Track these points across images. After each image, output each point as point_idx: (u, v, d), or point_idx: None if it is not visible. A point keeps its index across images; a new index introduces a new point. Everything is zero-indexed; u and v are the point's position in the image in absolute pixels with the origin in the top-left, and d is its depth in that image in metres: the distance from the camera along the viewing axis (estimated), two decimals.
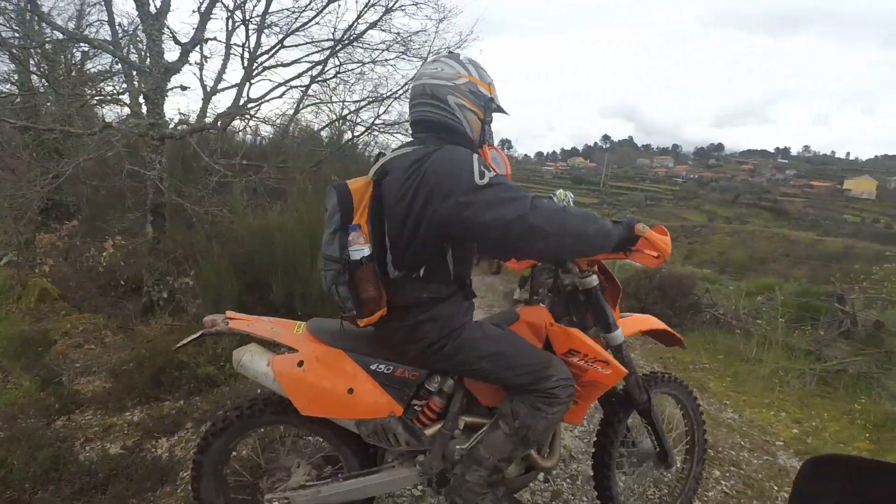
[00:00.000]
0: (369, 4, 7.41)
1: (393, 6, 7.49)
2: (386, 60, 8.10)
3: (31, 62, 8.70)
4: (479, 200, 1.42)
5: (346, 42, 7.56)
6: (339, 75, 7.96)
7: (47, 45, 7.81)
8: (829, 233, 47.06)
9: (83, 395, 4.16)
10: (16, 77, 9.60)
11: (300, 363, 1.75)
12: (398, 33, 7.83)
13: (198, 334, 2.03)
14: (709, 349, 5.19)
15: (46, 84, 8.90)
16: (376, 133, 8.46)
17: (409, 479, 1.91)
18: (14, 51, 8.11)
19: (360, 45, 7.85)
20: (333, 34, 7.43)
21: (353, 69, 8.14)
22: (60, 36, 7.26)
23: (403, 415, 1.77)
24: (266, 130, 9.55)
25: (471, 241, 1.69)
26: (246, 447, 2.38)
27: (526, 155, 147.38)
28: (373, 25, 7.57)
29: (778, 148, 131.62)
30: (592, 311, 1.97)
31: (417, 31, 7.88)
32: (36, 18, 7.01)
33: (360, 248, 1.53)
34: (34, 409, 3.97)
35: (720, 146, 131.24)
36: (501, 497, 1.81)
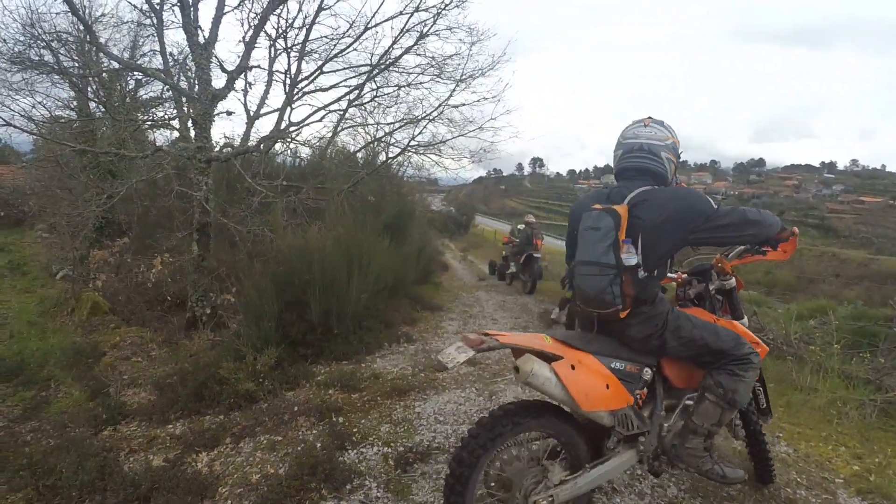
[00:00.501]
0: (404, 30, 7.64)
1: (427, 31, 7.70)
2: (421, 83, 8.30)
3: (90, 90, 9.32)
4: (719, 216, 2.07)
5: (383, 67, 7.78)
6: (375, 99, 8.19)
7: (104, 74, 8.38)
8: (882, 251, 44.21)
9: (129, 407, 4.31)
10: (75, 103, 10.27)
11: (572, 367, 1.98)
12: (433, 57, 8.03)
13: (470, 354, 2.15)
14: None
15: (103, 110, 9.52)
16: (411, 153, 8.62)
17: (630, 461, 2.24)
18: (74, 79, 8.75)
19: (396, 69, 8.07)
20: (371, 59, 7.68)
21: (388, 92, 8.38)
22: (116, 65, 7.79)
23: (633, 403, 2.15)
24: (305, 152, 9.90)
25: (709, 244, 2.38)
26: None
27: (558, 173, 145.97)
28: (408, 50, 7.77)
29: (823, 162, 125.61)
30: (729, 306, 2.69)
31: (451, 55, 8.05)
32: (94, 49, 7.53)
33: (632, 257, 2.02)
34: (83, 419, 4.15)
35: (761, 161, 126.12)
36: (717, 459, 2.32)
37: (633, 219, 2.04)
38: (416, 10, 7.43)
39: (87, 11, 7.56)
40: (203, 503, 2.90)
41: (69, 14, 6.14)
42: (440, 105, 8.20)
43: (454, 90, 8.12)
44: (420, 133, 8.36)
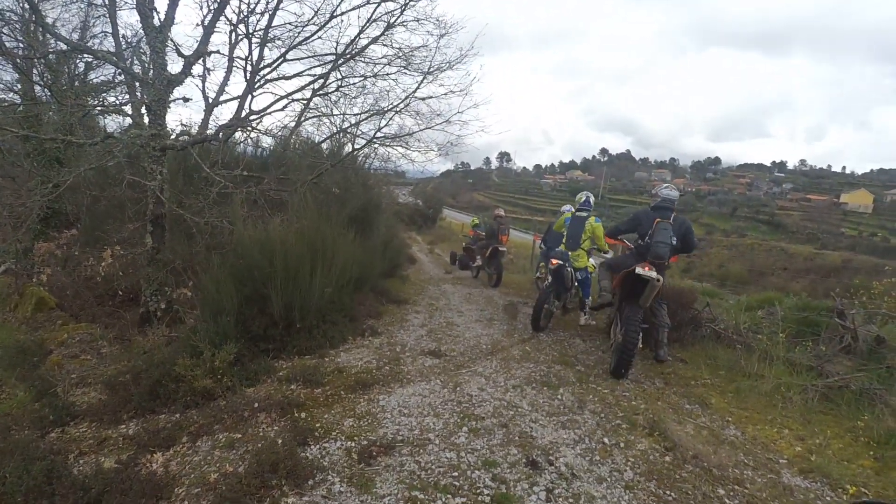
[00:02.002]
0: (371, 20, 7.49)
1: (395, 22, 7.58)
2: (387, 75, 8.18)
3: (35, 72, 8.71)
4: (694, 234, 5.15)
5: (348, 56, 7.62)
6: (340, 89, 8.02)
7: (51, 56, 7.85)
8: (826, 246, 47.05)
9: (78, 407, 4.10)
10: (19, 87, 9.58)
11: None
12: (400, 48, 7.92)
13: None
14: (710, 364, 5.14)
15: (49, 94, 8.92)
16: (377, 145, 8.49)
17: None
18: (18, 61, 8.15)
19: (362, 59, 7.92)
20: (336, 48, 7.50)
21: (354, 83, 8.22)
22: (64, 47, 7.30)
23: None
24: (267, 142, 9.61)
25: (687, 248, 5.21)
26: None
27: (525, 168, 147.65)
28: (375, 40, 7.62)
29: (774, 162, 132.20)
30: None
31: (419, 47, 7.96)
32: (40, 29, 7.04)
33: (676, 242, 4.95)
34: (28, 421, 3.91)
35: (717, 160, 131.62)
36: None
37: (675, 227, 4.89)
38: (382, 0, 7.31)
39: None
40: (159, 503, 2.81)
41: None
42: (407, 97, 8.11)
43: (421, 82, 8.06)
44: (387, 125, 8.29)
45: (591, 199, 6.84)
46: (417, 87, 8.05)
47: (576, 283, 6.50)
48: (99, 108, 8.62)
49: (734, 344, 5.48)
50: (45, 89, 8.92)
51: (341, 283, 5.39)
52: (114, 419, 3.83)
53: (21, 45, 7.32)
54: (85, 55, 8.35)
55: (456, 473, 3.00)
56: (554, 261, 6.24)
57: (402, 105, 8.11)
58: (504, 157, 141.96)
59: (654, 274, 4.61)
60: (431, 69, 8.07)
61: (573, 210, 6.86)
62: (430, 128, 8.37)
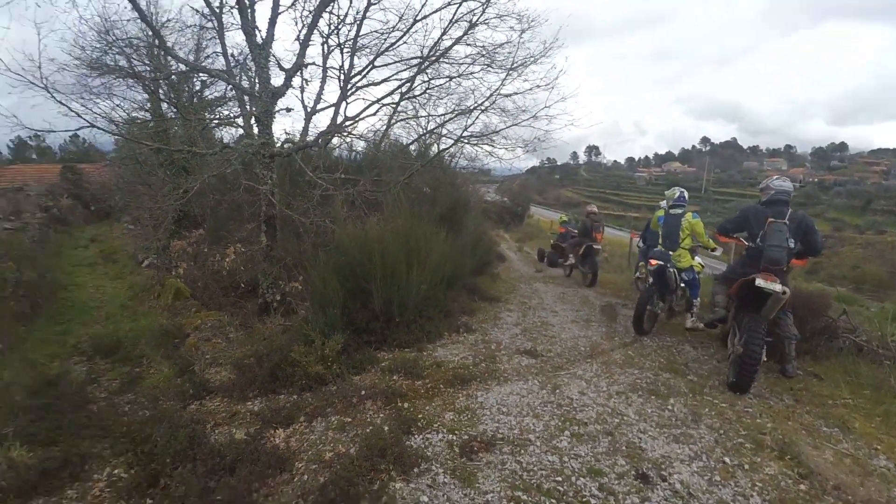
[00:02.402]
0: (453, 21, 7.56)
1: (477, 21, 7.60)
2: (471, 74, 8.22)
3: (161, 92, 9.96)
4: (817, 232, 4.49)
5: (433, 59, 7.78)
6: (428, 91, 8.22)
7: (173, 77, 8.92)
8: None
9: (212, 384, 4.67)
10: (149, 105, 10.98)
11: None
12: (483, 46, 7.92)
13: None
14: (851, 382, 4.47)
15: (174, 110, 10.17)
16: (464, 144, 8.58)
17: None
18: (146, 82, 9.39)
19: (446, 60, 8.04)
20: (421, 52, 7.72)
21: (440, 84, 8.37)
22: (183, 68, 8.26)
23: None
24: (360, 146, 10.16)
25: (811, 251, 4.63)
26: None
27: (615, 161, 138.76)
28: (458, 41, 7.69)
29: None
30: None
31: (503, 44, 7.89)
32: (163, 53, 8.01)
33: (795, 244, 4.30)
34: (172, 393, 4.54)
35: (843, 145, 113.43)
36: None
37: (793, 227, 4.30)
38: None
39: (154, 17, 8.03)
40: (281, 476, 3.10)
41: (138, 21, 6.53)
42: (492, 94, 8.09)
43: (505, 79, 8.01)
44: (472, 124, 8.32)
45: (686, 195, 6.27)
46: (501, 84, 8.01)
47: (682, 285, 6.05)
48: (215, 122, 9.69)
49: (880, 359, 4.74)
50: (171, 106, 10.21)
51: (435, 281, 5.55)
52: (242, 396, 4.31)
53: (148, 68, 8.31)
54: (200, 74, 9.38)
55: (559, 478, 2.95)
56: (653, 261, 5.86)
57: (487, 103, 8.12)
58: (592, 150, 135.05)
59: (778, 287, 4.02)
60: (515, 65, 7.98)
61: (665, 208, 6.36)
62: (516, 124, 8.28)
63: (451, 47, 7.66)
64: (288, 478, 3.07)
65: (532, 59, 7.99)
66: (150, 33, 6.97)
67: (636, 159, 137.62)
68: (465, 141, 8.36)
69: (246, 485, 2.91)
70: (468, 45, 7.80)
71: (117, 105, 10.33)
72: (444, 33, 7.55)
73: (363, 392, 3.98)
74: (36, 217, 13.51)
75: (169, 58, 8.31)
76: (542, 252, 14.04)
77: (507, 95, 8.12)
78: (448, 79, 8.27)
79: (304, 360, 4.26)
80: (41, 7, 5.77)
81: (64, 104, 5.44)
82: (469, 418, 3.68)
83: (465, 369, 4.69)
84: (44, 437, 3.56)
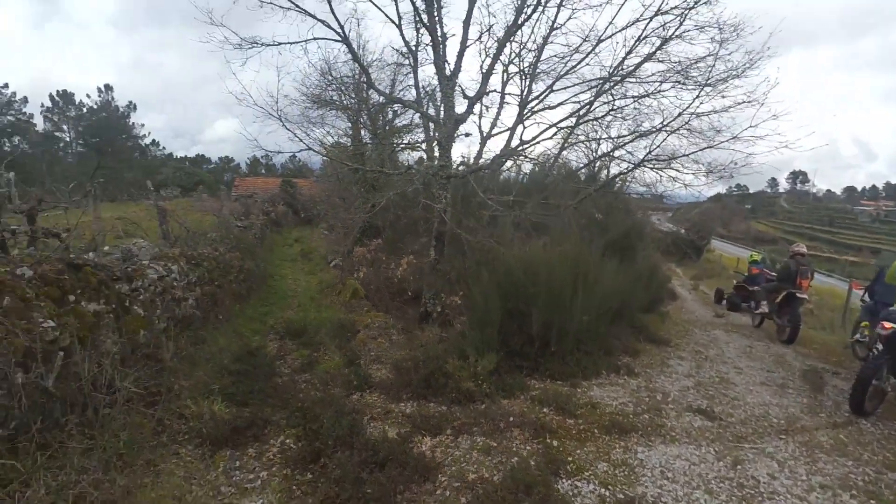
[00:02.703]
0: (641, 38, 7.03)
1: (671, 35, 6.94)
2: (660, 92, 7.53)
3: (360, 121, 11.71)
4: None
5: (617, 80, 7.35)
6: (611, 112, 7.81)
7: (373, 108, 10.32)
8: None
9: (373, 379, 5.04)
10: (351, 132, 13.05)
11: None
12: (679, 62, 7.18)
13: None
14: None
15: (370, 136, 11.87)
16: (646, 168, 7.87)
17: None
18: (350, 113, 11.09)
19: (632, 79, 7.51)
20: (605, 71, 7.33)
21: (623, 105, 7.85)
22: (382, 99, 9.45)
23: None
24: (527, 168, 10.18)
25: None
26: None
27: (829, 191, 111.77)
28: (648, 58, 7.12)
29: None
30: None
31: (704, 57, 7.03)
32: (366, 88, 9.29)
33: None
34: (340, 381, 5.02)
35: None
36: None
37: None
38: (658, 12, 6.77)
39: (362, 59, 9.40)
40: (425, 485, 3.13)
41: (350, 62, 7.64)
42: (680, 114, 7.26)
43: (699, 96, 7.12)
44: (657, 146, 7.59)
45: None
46: (693, 101, 7.14)
47: None
48: (402, 146, 10.83)
49: None
50: (367, 133, 11.90)
51: (600, 312, 5.15)
52: (397, 396, 4.55)
53: (353, 101, 9.74)
54: (395, 105, 10.62)
55: None
56: (887, 324, 4.52)
57: (675, 123, 7.32)
58: (798, 177, 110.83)
59: None
60: (711, 80, 7.05)
61: None
62: (711, 147, 7.27)
63: (639, 65, 7.14)
64: (430, 488, 3.09)
65: (733, 72, 7.00)
66: (359, 72, 8.14)
67: (858, 189, 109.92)
68: (650, 165, 7.66)
69: (393, 486, 3.00)
70: (659, 61, 7.18)
71: (327, 132, 12.62)
72: (630, 51, 7.09)
73: (511, 418, 3.84)
74: (259, 219, 16.72)
75: (371, 91, 9.69)
76: (720, 293, 12.35)
77: (700, 115, 7.22)
78: (632, 99, 7.73)
79: (458, 374, 4.32)
80: (282, 55, 7.25)
81: (291, 131, 6.79)
82: (626, 475, 3.25)
83: (624, 417, 4.20)
84: (239, 398, 4.24)
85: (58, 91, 47.18)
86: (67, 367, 2.87)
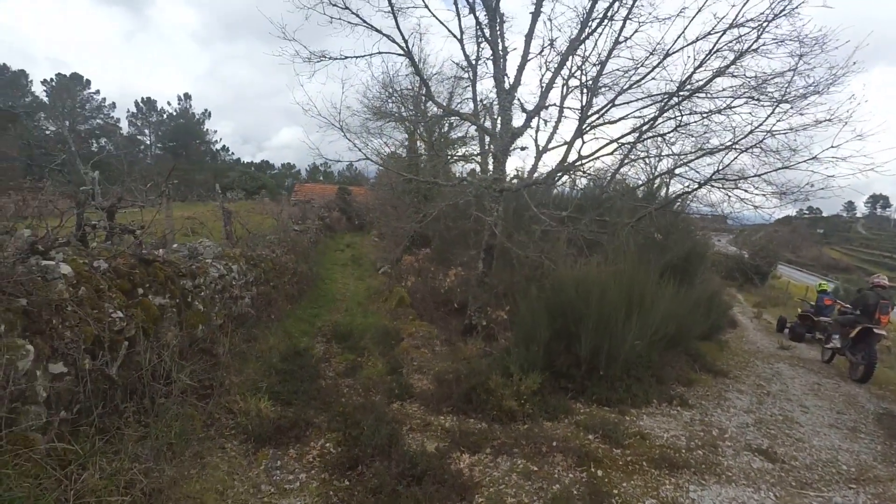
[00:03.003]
0: (713, 52, 6.67)
1: (746, 49, 6.53)
2: (731, 108, 7.10)
3: (417, 132, 12.00)
4: None
5: (684, 95, 7.01)
6: (678, 129, 7.44)
7: (429, 120, 10.51)
8: None
9: (414, 389, 5.01)
10: (407, 143, 13.35)
11: None
12: (755, 76, 6.73)
13: None
14: None
15: (425, 148, 12.11)
16: (713, 187, 7.40)
17: None
18: (408, 124, 11.35)
19: (700, 95, 7.14)
20: (678, 85, 7.00)
21: (690, 122, 7.47)
22: (439, 112, 9.58)
23: None
24: (581, 183, 9.92)
25: None
26: None
27: None
28: (720, 73, 6.75)
29: None
30: None
31: (784, 71, 6.55)
32: (424, 100, 9.46)
33: None
34: (382, 388, 5.04)
35: None
36: None
37: None
38: (732, 25, 6.41)
39: (423, 72, 9.62)
40: None
41: (410, 75, 7.80)
42: (752, 131, 6.80)
43: (773, 112, 6.64)
44: (727, 165, 7.13)
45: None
46: (767, 118, 6.67)
47: None
48: (456, 157, 10.93)
49: None
50: (423, 144, 12.16)
51: (654, 339, 4.87)
52: (437, 409, 4.49)
53: (412, 113, 9.97)
54: (451, 117, 10.74)
55: None
56: None
57: (747, 141, 6.86)
58: (878, 201, 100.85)
59: None
60: (788, 97, 6.56)
61: None
62: (787, 167, 6.75)
63: (710, 80, 6.78)
64: None
65: (814, 88, 6.49)
66: (419, 85, 8.30)
67: None
68: (717, 185, 7.23)
69: (429, 502, 2.94)
70: (733, 76, 6.80)
71: (384, 143, 13.04)
72: (700, 65, 6.75)
73: (554, 443, 3.68)
74: (315, 224, 17.37)
75: (429, 104, 9.87)
76: (783, 321, 11.92)
77: (775, 133, 6.74)
78: (701, 115, 7.35)
79: (500, 392, 4.21)
80: (347, 68, 7.58)
81: (351, 141, 7.06)
82: None
83: (675, 451, 3.92)
84: (284, 397, 4.35)
85: (142, 98, 51.71)
86: (131, 356, 3.05)
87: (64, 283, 2.59)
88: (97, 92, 45.62)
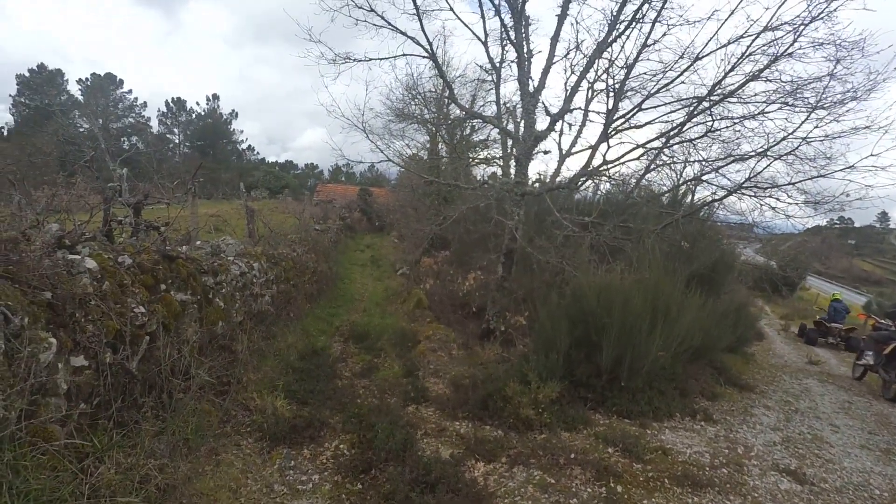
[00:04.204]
0: (745, 55, 6.45)
1: (782, 53, 6.29)
2: (764, 114, 6.86)
3: (439, 135, 12.01)
4: None
5: (715, 100, 6.80)
6: (708, 134, 7.23)
7: (451, 122, 10.51)
8: None
9: (430, 393, 4.96)
10: (428, 145, 13.37)
11: None
12: (791, 80, 6.49)
13: None
14: None
15: (446, 150, 12.12)
16: (744, 195, 7.15)
17: None
18: (430, 126, 11.35)
19: (734, 99, 6.92)
20: (708, 89, 6.79)
21: (721, 128, 7.24)
22: (462, 114, 9.55)
23: None
24: (604, 189, 9.73)
25: None
26: None
27: None
28: (753, 77, 6.53)
29: None
30: None
31: (820, 78, 6.31)
32: (447, 102, 9.42)
33: None
34: (397, 391, 5.01)
35: None
36: None
37: None
38: (766, 28, 6.19)
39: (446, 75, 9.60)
40: None
41: (434, 78, 7.79)
42: (785, 137, 6.56)
43: (807, 119, 6.39)
44: (757, 173, 6.89)
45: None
46: (801, 124, 6.42)
47: None
48: (477, 161, 10.87)
49: None
50: (444, 147, 12.17)
51: (679, 350, 4.71)
52: (452, 414, 4.43)
53: (434, 115, 9.99)
54: (473, 120, 10.69)
55: None
56: None
57: (778, 147, 6.61)
58: None
59: None
60: (824, 103, 6.30)
61: None
62: (822, 176, 6.48)
63: (743, 84, 6.57)
64: None
65: (852, 94, 6.23)
66: (442, 87, 8.29)
67: None
68: (748, 192, 7.00)
69: None
70: (767, 80, 6.57)
71: (406, 144, 13.11)
72: (732, 69, 6.55)
73: (572, 455, 3.58)
74: (335, 224, 17.53)
75: (451, 106, 9.85)
76: (803, 327, 12.96)
77: (810, 140, 6.49)
78: (732, 121, 7.12)
79: (517, 399, 4.12)
80: (371, 70, 7.61)
81: (373, 142, 7.13)
82: None
83: (698, 468, 3.77)
84: (300, 396, 4.36)
85: (172, 98, 53.01)
86: (151, 351, 3.08)
87: (89, 277, 2.63)
88: (129, 91, 47.01)
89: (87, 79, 44.38)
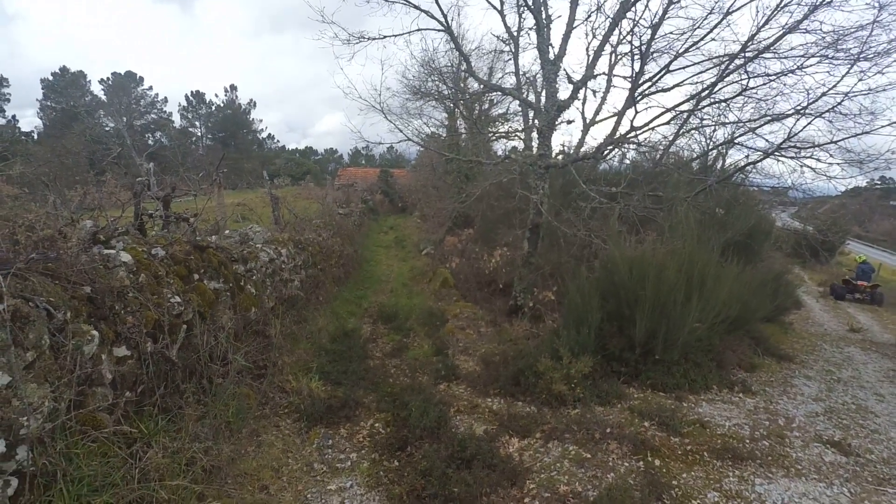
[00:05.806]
0: (780, 6, 6.01)
1: (821, 2, 5.82)
2: (802, 69, 6.43)
3: (457, 110, 11.79)
4: None
5: (749, 56, 6.39)
6: (743, 93, 6.83)
7: (468, 97, 10.26)
8: None
9: (460, 371, 5.00)
10: (447, 123, 13.16)
11: None
12: (833, 31, 6.04)
13: None
14: None
15: (465, 126, 11.89)
16: (779, 158, 6.77)
17: None
18: (447, 102, 11.12)
19: (770, 54, 6.49)
20: (742, 45, 6.39)
21: (755, 86, 6.83)
22: (480, 87, 9.31)
23: None
24: (630, 157, 9.39)
25: None
26: None
27: None
28: (791, 29, 6.11)
29: None
30: None
31: (863, 26, 5.83)
32: (463, 76, 9.17)
33: None
34: (428, 369, 5.06)
35: None
36: None
37: None
38: None
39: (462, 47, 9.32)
40: (512, 490, 2.99)
41: (450, 52, 7.59)
42: (825, 93, 6.14)
43: (848, 72, 5.95)
44: (796, 133, 6.49)
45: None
46: (843, 78, 5.98)
47: None
48: (497, 135, 10.63)
49: None
50: (463, 122, 11.94)
51: (716, 321, 4.57)
52: (484, 391, 4.45)
53: (451, 90, 9.77)
54: (491, 93, 10.41)
55: None
56: None
57: (817, 104, 6.20)
58: None
59: None
60: (867, 54, 5.85)
61: None
62: (868, 132, 6.07)
63: (780, 38, 6.15)
64: (517, 494, 2.94)
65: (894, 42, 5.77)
66: (459, 60, 8.06)
67: None
68: (788, 154, 6.62)
69: (479, 487, 2.90)
70: (805, 32, 6.13)
71: (424, 122, 12.92)
72: (766, 22, 6.13)
73: (608, 429, 3.54)
74: (358, 207, 17.59)
75: (469, 80, 9.61)
76: (833, 287, 13.87)
77: (853, 95, 6.06)
78: (767, 78, 6.70)
79: (549, 375, 4.09)
80: (386, 48, 7.46)
81: (391, 122, 7.02)
82: None
83: (738, 441, 3.69)
84: (334, 377, 4.44)
85: (192, 92, 53.72)
86: (189, 339, 3.17)
87: (125, 270, 2.69)
88: (150, 88, 47.89)
89: (108, 78, 45.35)
